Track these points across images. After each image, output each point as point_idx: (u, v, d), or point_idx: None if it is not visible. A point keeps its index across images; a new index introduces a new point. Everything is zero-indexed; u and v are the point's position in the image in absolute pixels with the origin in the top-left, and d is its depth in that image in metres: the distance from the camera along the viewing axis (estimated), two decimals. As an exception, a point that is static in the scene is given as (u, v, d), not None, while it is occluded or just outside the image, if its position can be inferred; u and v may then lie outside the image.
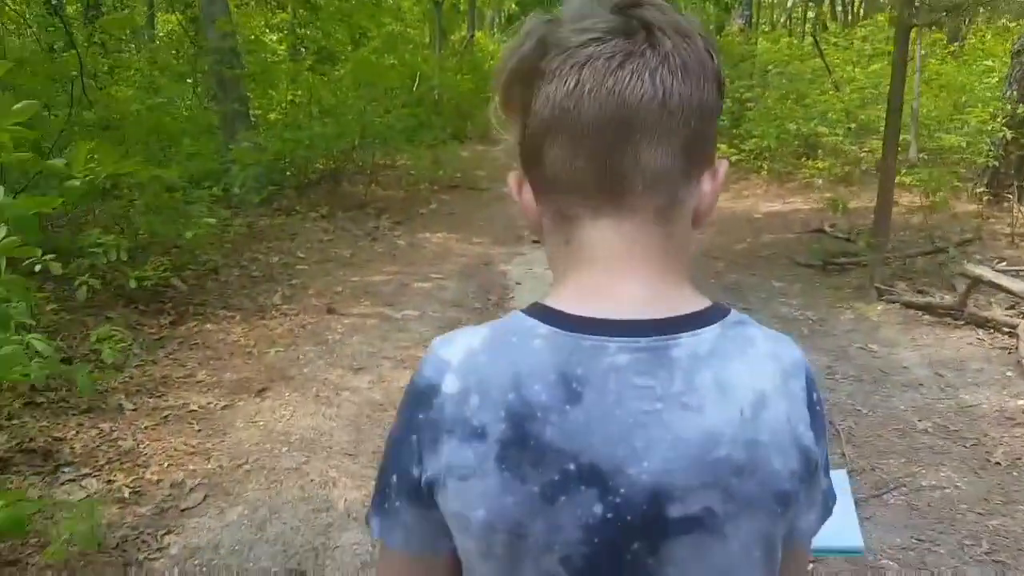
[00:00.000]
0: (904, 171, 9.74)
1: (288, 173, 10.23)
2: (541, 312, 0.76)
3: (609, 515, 0.71)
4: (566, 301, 0.76)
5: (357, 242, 8.48)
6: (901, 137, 9.96)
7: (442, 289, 6.90)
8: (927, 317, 5.69)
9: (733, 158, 11.13)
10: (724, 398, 0.72)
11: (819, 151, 11.46)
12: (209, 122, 9.61)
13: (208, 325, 5.65)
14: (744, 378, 0.73)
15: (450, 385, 0.75)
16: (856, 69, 12.44)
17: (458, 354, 0.76)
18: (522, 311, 0.77)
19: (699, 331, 0.74)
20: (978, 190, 8.95)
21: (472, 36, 20.89)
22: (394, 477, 0.79)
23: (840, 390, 4.54)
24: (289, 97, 10.56)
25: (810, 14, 19.55)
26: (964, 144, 8.83)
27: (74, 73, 6.59)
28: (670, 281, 0.77)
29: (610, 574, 0.73)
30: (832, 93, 11.88)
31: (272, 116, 10.38)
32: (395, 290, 6.78)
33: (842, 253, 7.27)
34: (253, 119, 10.65)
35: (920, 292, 6.09)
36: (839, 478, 1.26)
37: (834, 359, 5.03)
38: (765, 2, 18.50)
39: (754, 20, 17.66)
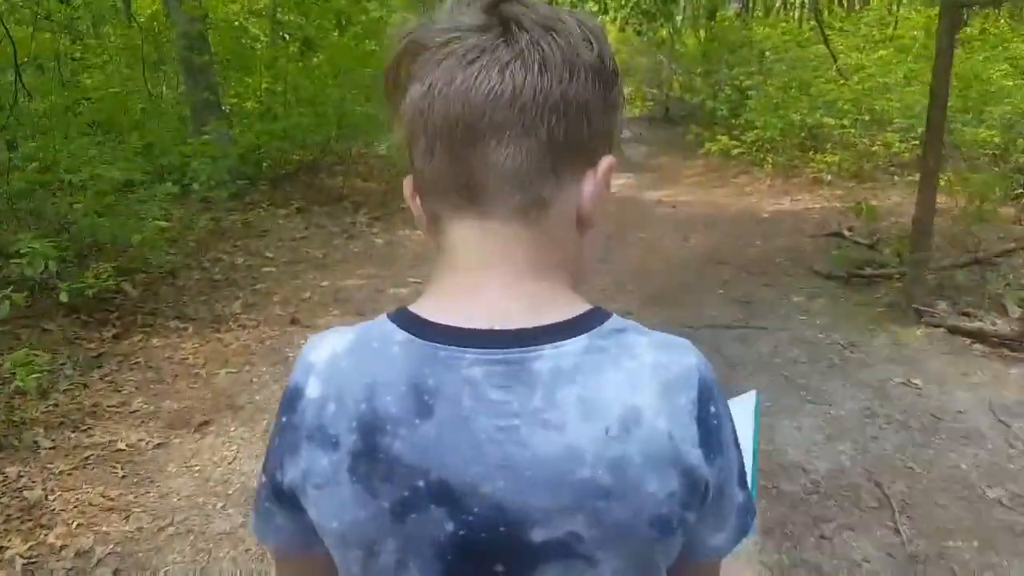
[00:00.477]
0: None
1: (263, 165, 9.55)
2: (403, 318, 0.73)
3: (461, 532, 0.67)
4: (428, 307, 0.73)
5: (332, 240, 7.82)
6: (920, 131, 9.37)
7: (420, 296, 6.25)
8: (979, 347, 4.97)
9: (734, 151, 10.50)
10: (588, 415, 0.66)
11: (827, 144, 10.85)
12: (179, 112, 8.91)
13: (155, 340, 5.00)
14: (614, 392, 0.67)
15: (312, 389, 0.72)
16: (862, 55, 11.80)
17: (323, 357, 0.73)
18: (388, 315, 0.74)
19: (564, 342, 0.68)
20: (1016, 191, 8.15)
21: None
22: (263, 478, 0.77)
23: (885, 440, 3.88)
24: (264, 85, 9.85)
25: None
26: (997, 140, 8.12)
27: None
28: (541, 287, 0.72)
29: None
30: (839, 82, 11.25)
31: (248, 105, 9.68)
32: (369, 296, 6.13)
33: (866, 262, 6.52)
34: (227, 109, 9.98)
35: (966, 315, 5.31)
36: (745, 407, 1.14)
37: (872, 397, 4.38)
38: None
39: (750, 5, 17.01)
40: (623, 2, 14.65)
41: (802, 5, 17.38)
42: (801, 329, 5.44)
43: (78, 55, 9.59)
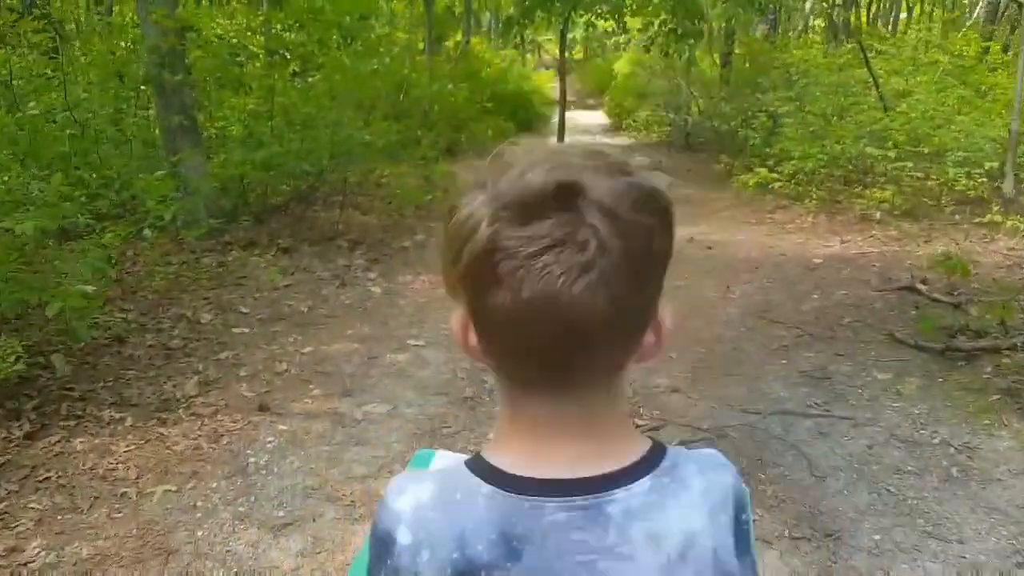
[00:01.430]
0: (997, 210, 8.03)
1: (248, 198, 8.44)
2: (485, 470, 0.79)
3: None
4: (508, 461, 0.79)
5: (320, 289, 6.69)
6: (987, 165, 8.26)
7: (422, 364, 5.12)
8: None
9: (775, 184, 9.39)
10: (654, 546, 0.77)
11: (870, 177, 9.72)
12: (148, 138, 7.81)
13: (79, 439, 3.86)
14: (674, 524, 0.78)
15: (403, 537, 0.78)
16: (907, 80, 10.71)
17: (408, 507, 0.79)
18: (466, 464, 0.80)
19: (631, 486, 0.78)
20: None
21: (468, 41, 19.17)
22: None
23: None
24: (250, 107, 8.75)
25: (839, 18, 17.83)
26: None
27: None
28: (608, 437, 0.80)
29: None
30: (882, 109, 10.16)
31: (235, 130, 8.58)
32: (359, 368, 4.99)
33: (959, 329, 5.33)
34: (214, 133, 8.89)
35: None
36: None
37: (1016, 531, 3.25)
38: (783, 5, 16.78)
39: (778, 26, 15.96)
40: (649, 21, 13.58)
41: (830, 24, 16.30)
42: (896, 420, 4.29)
43: (48, 72, 8.54)
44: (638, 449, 0.81)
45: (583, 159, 0.75)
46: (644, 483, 0.79)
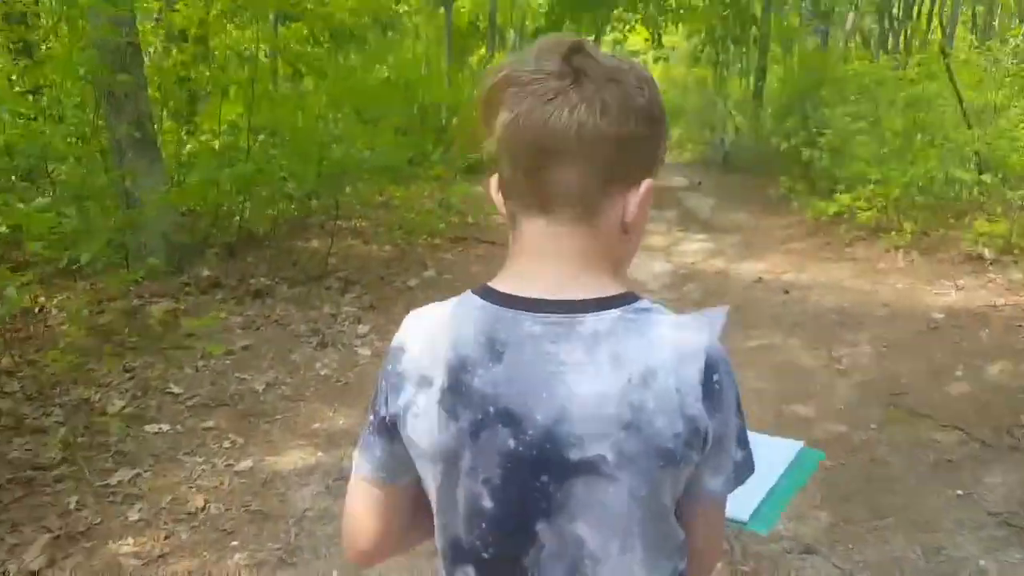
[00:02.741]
0: None
1: (222, 225, 6.64)
2: (483, 290, 0.89)
3: (520, 449, 0.84)
4: (501, 282, 0.88)
5: (292, 350, 4.85)
6: None
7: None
8: None
9: (861, 213, 7.44)
10: (616, 367, 0.82)
11: (961, 204, 7.77)
12: (95, 151, 6.02)
13: None
14: (636, 353, 0.82)
15: (412, 347, 0.90)
16: (998, 95, 8.75)
17: (421, 327, 0.91)
18: (472, 290, 0.90)
19: (601, 312, 0.84)
20: None
21: (492, 56, 17.36)
22: (371, 416, 0.95)
23: None
24: (231, 117, 6.95)
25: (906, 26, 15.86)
26: None
27: None
28: (589, 271, 0.87)
29: (520, 495, 0.85)
30: (966, 128, 8.23)
31: (215, 144, 6.76)
32: (314, 503, 3.14)
33: None
34: (189, 149, 7.12)
35: None
36: (784, 449, 1.22)
37: None
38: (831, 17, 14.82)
39: (828, 39, 14.00)
40: (697, 29, 11.67)
41: (887, 33, 14.29)
42: None
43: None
44: (616, 289, 0.87)
45: None
46: (612, 312, 0.84)
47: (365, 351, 4.97)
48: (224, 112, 7.03)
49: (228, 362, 4.57)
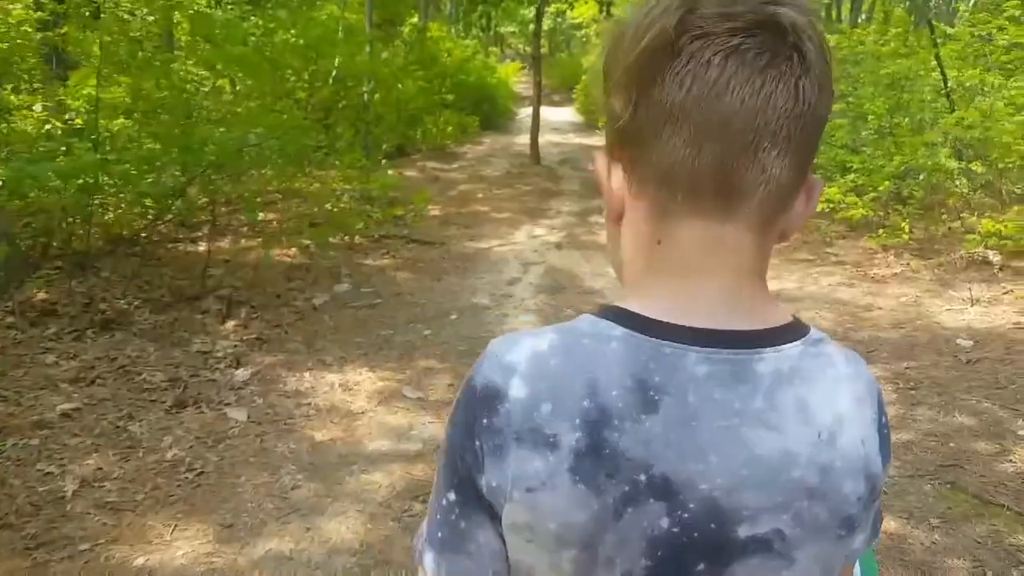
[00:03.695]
0: None
1: (68, 232, 5.17)
2: (616, 314, 0.65)
3: (675, 530, 0.61)
4: (645, 304, 0.65)
5: (131, 420, 3.49)
6: None
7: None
8: None
9: (855, 210, 6.33)
10: (804, 419, 0.63)
11: (951, 198, 6.74)
12: None
13: None
14: (824, 399, 0.64)
15: (517, 390, 0.62)
16: (990, 75, 7.74)
17: (524, 358, 0.64)
18: (592, 314, 0.66)
19: (782, 347, 0.64)
20: None
21: (425, 24, 15.86)
22: (451, 495, 0.66)
23: None
24: (85, 91, 5.42)
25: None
26: None
27: None
28: (755, 291, 0.66)
29: None
30: (950, 112, 7.24)
31: (49, 126, 5.25)
32: None
33: None
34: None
35: None
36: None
37: None
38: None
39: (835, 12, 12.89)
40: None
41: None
42: None
43: None
44: (785, 314, 0.67)
45: None
46: (796, 347, 0.65)
47: (239, 414, 3.64)
48: (79, 85, 5.51)
49: (34, 443, 3.19)
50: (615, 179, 0.69)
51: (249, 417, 3.63)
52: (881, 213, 6.60)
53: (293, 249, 6.17)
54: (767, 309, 0.66)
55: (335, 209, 6.89)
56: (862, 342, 4.47)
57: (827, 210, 6.50)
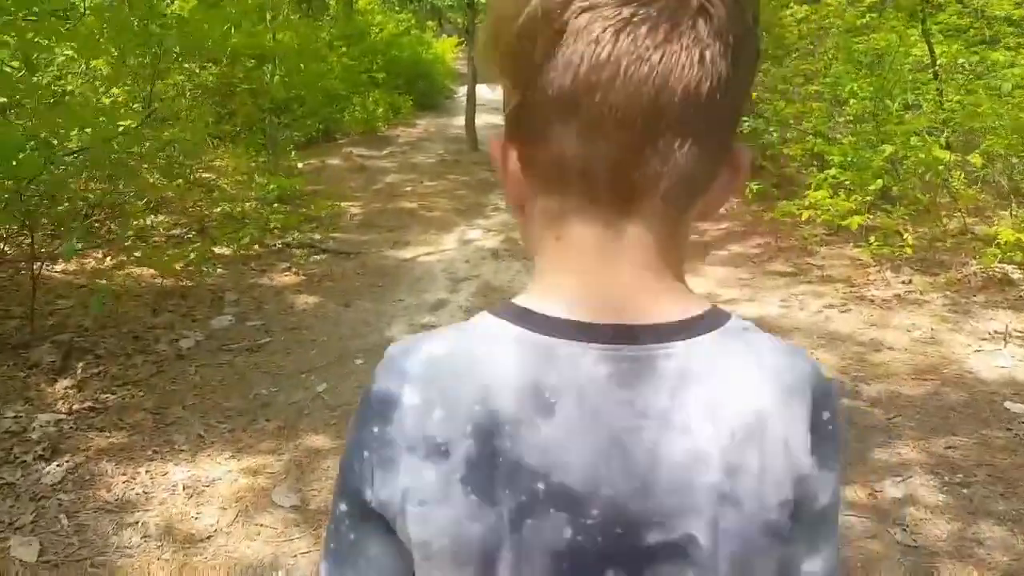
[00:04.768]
0: None
1: None
2: (513, 313, 0.60)
3: (579, 538, 0.57)
4: (542, 301, 0.59)
5: None
6: None
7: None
8: None
9: (853, 217, 5.35)
10: (715, 418, 0.57)
11: (959, 197, 5.83)
12: None
13: None
14: (740, 396, 0.58)
15: (410, 397, 0.59)
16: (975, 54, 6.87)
17: (419, 362, 0.60)
18: (490, 311, 0.61)
19: (693, 340, 0.58)
20: None
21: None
22: (343, 505, 0.63)
23: None
24: None
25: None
26: None
27: None
28: (665, 281, 0.60)
29: None
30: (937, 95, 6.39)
31: None
32: None
33: None
34: None
35: None
36: None
37: None
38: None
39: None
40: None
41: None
42: None
43: None
44: (699, 305, 0.60)
45: None
46: (706, 339, 0.58)
47: (27, 550, 2.50)
48: None
49: None
50: (512, 164, 0.61)
51: (41, 555, 2.49)
52: (869, 216, 5.66)
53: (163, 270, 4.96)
54: (678, 301, 0.60)
55: (217, 214, 5.69)
56: (879, 402, 3.48)
57: (811, 216, 5.51)
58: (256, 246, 5.74)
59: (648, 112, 0.52)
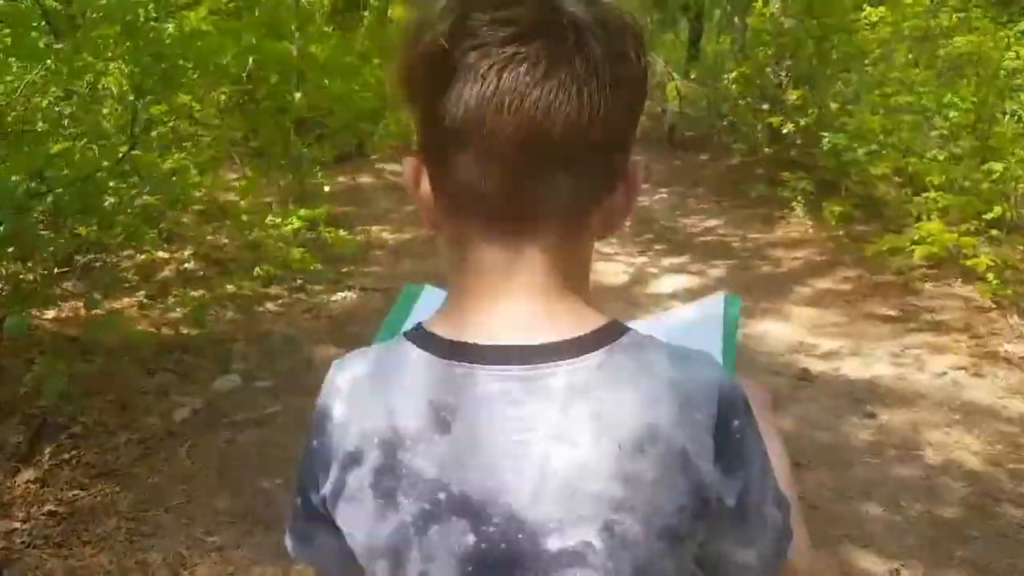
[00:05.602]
0: None
1: None
2: (420, 337, 0.65)
3: (483, 545, 0.61)
4: (445, 325, 0.65)
5: None
6: None
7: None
8: None
9: (970, 257, 4.50)
10: (602, 431, 0.60)
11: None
12: None
13: None
14: (628, 409, 0.60)
15: (338, 413, 0.66)
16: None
17: (347, 380, 0.67)
18: (406, 335, 0.66)
19: (579, 358, 0.61)
20: None
21: (386, 8, 13.88)
22: (297, 500, 0.72)
23: None
24: None
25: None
26: None
27: None
28: (562, 302, 0.63)
29: None
30: None
31: None
32: None
33: None
34: None
35: None
36: (710, 310, 0.97)
37: None
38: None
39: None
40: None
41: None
42: None
43: None
44: (595, 321, 0.63)
45: None
46: (594, 357, 0.61)
47: None
48: None
49: None
50: (424, 186, 0.65)
51: None
52: (980, 248, 4.78)
53: (171, 321, 4.27)
54: (573, 320, 0.62)
55: (231, 246, 5.02)
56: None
57: (908, 248, 4.66)
58: (272, 284, 5.06)
59: (531, 142, 0.57)
